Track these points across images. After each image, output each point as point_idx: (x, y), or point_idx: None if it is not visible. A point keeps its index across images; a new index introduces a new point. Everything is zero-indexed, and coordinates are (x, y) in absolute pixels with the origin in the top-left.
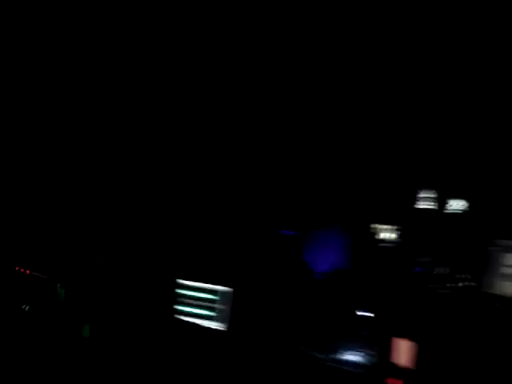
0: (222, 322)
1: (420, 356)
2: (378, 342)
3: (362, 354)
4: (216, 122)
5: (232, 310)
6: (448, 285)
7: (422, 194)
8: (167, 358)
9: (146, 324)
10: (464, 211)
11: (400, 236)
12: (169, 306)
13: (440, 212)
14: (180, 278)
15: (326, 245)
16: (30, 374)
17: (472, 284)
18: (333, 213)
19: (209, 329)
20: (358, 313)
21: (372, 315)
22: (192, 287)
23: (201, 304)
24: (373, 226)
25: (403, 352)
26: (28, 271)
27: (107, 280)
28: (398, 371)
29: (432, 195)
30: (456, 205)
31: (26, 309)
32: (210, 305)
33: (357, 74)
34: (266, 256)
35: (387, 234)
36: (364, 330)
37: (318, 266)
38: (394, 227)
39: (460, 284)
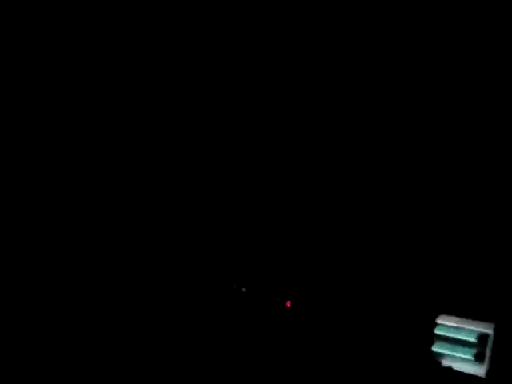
0: (480, 365)
1: None
2: None
3: None
4: None
5: (493, 351)
6: None
7: None
8: None
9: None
10: None
11: None
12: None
13: None
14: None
15: None
16: None
17: None
18: None
19: (464, 374)
20: None
21: None
22: (449, 326)
23: (456, 345)
24: None
25: None
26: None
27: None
28: None
29: None
30: None
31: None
32: (466, 346)
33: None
34: None
35: None
36: None
37: None
38: None
39: None
